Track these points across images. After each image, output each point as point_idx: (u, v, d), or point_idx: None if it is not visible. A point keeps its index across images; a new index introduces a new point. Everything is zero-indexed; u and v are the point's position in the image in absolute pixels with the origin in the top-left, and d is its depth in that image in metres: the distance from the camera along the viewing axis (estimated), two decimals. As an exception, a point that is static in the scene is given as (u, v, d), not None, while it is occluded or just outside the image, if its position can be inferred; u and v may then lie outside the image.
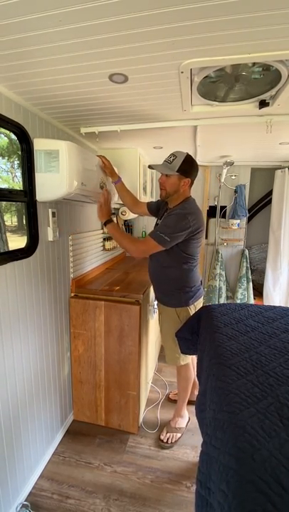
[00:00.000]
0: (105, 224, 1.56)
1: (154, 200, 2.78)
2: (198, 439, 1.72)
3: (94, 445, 1.70)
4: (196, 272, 1.61)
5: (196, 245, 1.51)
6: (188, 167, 1.43)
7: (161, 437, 1.71)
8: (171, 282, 1.57)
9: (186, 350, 1.70)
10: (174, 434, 1.72)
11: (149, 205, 1.77)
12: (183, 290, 1.57)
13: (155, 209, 1.75)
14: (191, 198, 1.53)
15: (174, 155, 1.43)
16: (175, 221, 1.39)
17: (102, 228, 2.30)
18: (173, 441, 1.69)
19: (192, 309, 1.62)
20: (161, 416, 1.93)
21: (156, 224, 1.63)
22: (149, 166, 1.55)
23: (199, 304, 1.68)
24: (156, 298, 1.74)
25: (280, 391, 0.80)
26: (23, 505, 1.31)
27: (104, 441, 1.73)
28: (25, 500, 1.34)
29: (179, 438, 1.72)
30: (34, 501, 1.36)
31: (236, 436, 0.65)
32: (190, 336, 1.60)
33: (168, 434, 1.72)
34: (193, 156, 2.31)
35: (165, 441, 1.69)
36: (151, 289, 2.04)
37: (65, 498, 1.38)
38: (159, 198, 1.61)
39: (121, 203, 2.10)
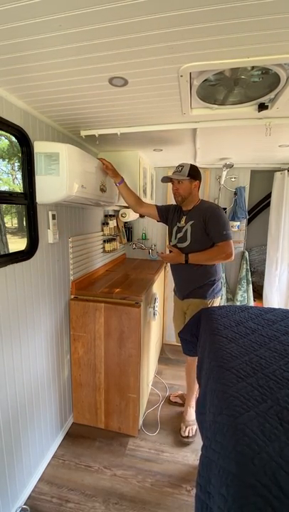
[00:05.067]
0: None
1: (153, 202, 2.80)
2: (198, 442, 1.71)
3: (94, 448, 1.69)
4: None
5: None
6: (194, 172, 1.63)
7: (183, 434, 1.75)
8: (205, 274, 1.67)
9: (187, 352, 1.70)
10: (192, 426, 1.77)
11: (159, 208, 1.86)
12: (213, 282, 1.70)
13: (165, 213, 1.84)
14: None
15: (181, 165, 1.63)
16: (223, 216, 1.59)
17: (102, 230, 2.30)
18: (193, 433, 1.75)
19: (216, 302, 1.74)
20: (162, 419, 1.92)
21: (178, 227, 1.70)
22: (164, 178, 1.72)
23: (218, 298, 1.78)
24: (186, 294, 1.75)
25: (280, 394, 0.79)
26: (23, 509, 1.30)
27: (104, 444, 1.72)
28: (25, 504, 1.33)
29: (196, 429, 1.76)
30: (33, 505, 1.35)
31: (236, 439, 0.65)
32: (190, 337, 1.59)
33: (187, 428, 1.77)
34: (192, 159, 2.33)
35: (186, 435, 1.73)
36: (152, 290, 2.04)
37: (64, 501, 1.38)
38: (176, 204, 1.75)
39: (121, 204, 2.11)
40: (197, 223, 1.61)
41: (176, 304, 1.90)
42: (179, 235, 1.68)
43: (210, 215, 1.58)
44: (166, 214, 1.83)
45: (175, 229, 1.73)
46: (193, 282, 1.69)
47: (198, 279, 1.68)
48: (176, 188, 1.65)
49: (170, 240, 1.78)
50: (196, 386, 1.83)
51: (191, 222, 1.63)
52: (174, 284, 1.88)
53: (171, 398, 2.10)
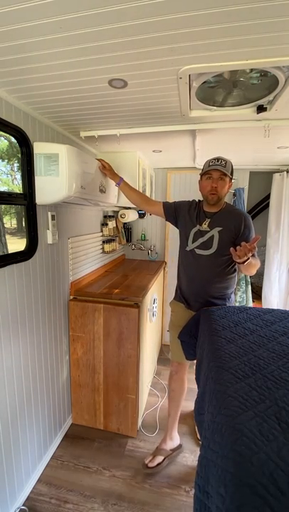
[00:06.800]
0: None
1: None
2: (197, 443, 1.71)
3: (92, 449, 1.69)
4: None
5: None
6: (232, 172, 1.47)
7: (150, 465, 1.56)
8: (229, 284, 1.55)
9: (188, 355, 1.69)
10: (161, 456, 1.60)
11: (166, 206, 1.66)
12: (232, 293, 1.59)
13: (172, 212, 1.64)
14: None
15: (223, 159, 1.42)
16: (252, 223, 1.47)
17: (102, 231, 2.30)
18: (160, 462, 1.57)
19: None
20: (160, 419, 1.92)
21: (199, 230, 1.50)
22: (214, 167, 1.40)
23: None
24: (204, 304, 1.56)
25: (278, 394, 0.80)
26: (21, 510, 1.30)
27: (102, 445, 1.72)
28: (23, 505, 1.33)
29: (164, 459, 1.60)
30: (32, 506, 1.35)
31: (234, 439, 0.65)
32: (189, 338, 1.59)
33: (156, 458, 1.59)
34: (192, 160, 2.34)
35: (153, 465, 1.55)
36: (151, 291, 2.04)
37: (63, 502, 1.37)
38: (211, 203, 1.48)
39: (120, 205, 2.11)
40: (227, 231, 1.44)
41: (182, 314, 1.66)
42: (202, 240, 1.48)
43: (246, 225, 1.44)
44: (175, 213, 1.62)
45: (194, 231, 1.51)
46: (214, 293, 1.53)
47: (222, 289, 1.53)
48: (216, 185, 1.42)
49: (185, 244, 1.55)
50: (179, 411, 1.68)
51: (219, 229, 1.45)
52: (174, 289, 1.75)
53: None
